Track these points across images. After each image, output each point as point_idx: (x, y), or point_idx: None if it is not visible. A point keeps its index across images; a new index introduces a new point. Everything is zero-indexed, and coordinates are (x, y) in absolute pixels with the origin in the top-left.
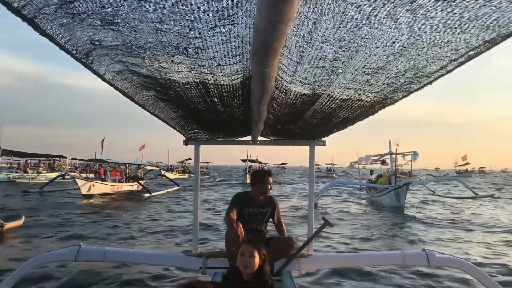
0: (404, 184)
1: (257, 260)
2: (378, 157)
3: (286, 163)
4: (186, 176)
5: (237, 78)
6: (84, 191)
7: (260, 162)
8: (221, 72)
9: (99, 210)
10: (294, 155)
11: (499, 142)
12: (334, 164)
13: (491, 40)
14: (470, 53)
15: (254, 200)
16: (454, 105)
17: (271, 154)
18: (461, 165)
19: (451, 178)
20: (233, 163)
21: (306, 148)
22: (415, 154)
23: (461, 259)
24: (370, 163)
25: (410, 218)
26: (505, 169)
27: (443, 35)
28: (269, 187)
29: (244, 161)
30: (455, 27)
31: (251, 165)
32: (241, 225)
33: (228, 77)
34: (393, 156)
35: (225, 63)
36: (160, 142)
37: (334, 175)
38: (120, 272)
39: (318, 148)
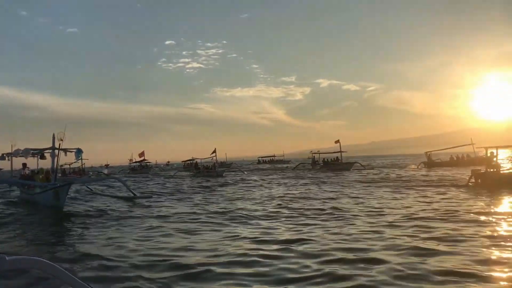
0: (66, 184)
1: None
2: (38, 151)
3: None
4: None
5: None
6: None
7: None
8: None
9: None
10: None
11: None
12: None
13: None
14: None
15: None
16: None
17: None
18: (139, 161)
19: (112, 178)
20: None
21: None
22: (79, 151)
23: (36, 258)
24: (29, 157)
25: (68, 219)
26: (169, 162)
27: None
28: None
29: None
30: None
31: None
32: None
33: None
34: (56, 151)
35: None
36: None
37: None
38: None
39: None
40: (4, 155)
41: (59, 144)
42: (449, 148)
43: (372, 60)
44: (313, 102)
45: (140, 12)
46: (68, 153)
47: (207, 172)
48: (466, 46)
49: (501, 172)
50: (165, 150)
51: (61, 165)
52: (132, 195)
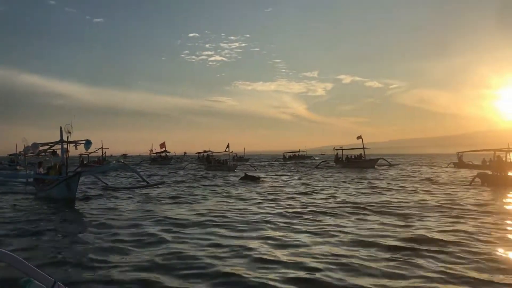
0: (75, 174)
1: None
2: (48, 146)
3: None
4: None
5: None
6: None
7: None
8: None
9: None
10: None
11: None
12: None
13: None
14: None
15: None
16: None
17: None
18: (159, 152)
19: (123, 167)
20: None
21: None
22: (87, 143)
23: None
24: (40, 155)
25: (79, 211)
26: (185, 153)
27: None
28: None
29: None
30: None
31: None
32: None
33: None
34: (65, 145)
35: None
36: None
37: (18, 167)
38: None
39: None
40: (12, 156)
41: (67, 137)
42: (482, 150)
43: (396, 57)
44: (334, 98)
45: (165, 4)
46: (78, 145)
47: (218, 166)
48: (492, 45)
49: (509, 175)
50: (184, 141)
51: (80, 154)
52: (145, 183)
